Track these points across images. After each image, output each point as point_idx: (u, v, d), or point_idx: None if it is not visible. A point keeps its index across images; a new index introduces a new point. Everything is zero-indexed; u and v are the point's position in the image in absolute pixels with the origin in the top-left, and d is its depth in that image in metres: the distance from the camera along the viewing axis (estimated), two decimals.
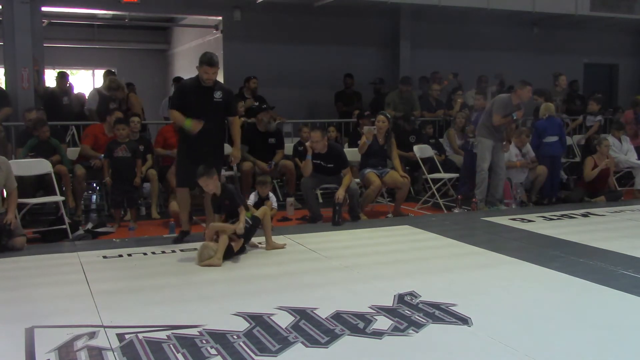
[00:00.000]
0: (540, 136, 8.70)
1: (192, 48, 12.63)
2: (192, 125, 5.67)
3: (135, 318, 3.85)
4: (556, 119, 8.95)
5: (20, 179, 6.13)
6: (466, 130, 9.12)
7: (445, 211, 8.12)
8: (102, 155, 7.39)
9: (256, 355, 3.30)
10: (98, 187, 8.44)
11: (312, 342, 3.48)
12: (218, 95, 5.82)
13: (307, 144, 7.25)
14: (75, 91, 10.02)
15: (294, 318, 3.84)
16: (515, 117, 7.88)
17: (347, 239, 6.36)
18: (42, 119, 7.60)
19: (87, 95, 9.77)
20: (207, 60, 5.69)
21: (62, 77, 9.16)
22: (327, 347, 3.42)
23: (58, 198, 6.71)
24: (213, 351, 3.34)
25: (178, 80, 10.40)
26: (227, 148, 8.64)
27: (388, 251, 5.77)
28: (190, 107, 5.76)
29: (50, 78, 9.53)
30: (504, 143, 8.02)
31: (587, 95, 11.90)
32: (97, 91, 9.29)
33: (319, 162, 7.18)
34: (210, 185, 5.50)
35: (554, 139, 8.67)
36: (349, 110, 10.18)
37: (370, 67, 11.29)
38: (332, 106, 10.78)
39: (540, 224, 7.00)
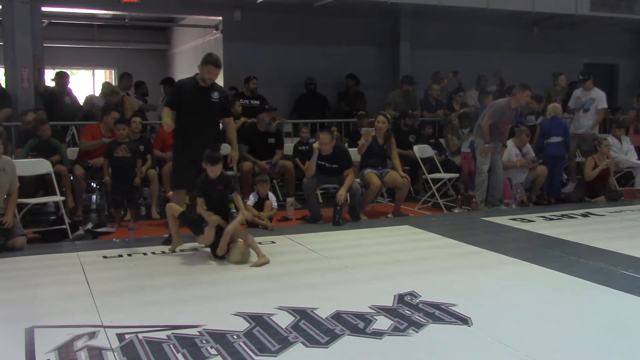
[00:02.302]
0: (544, 136, 8.81)
1: (192, 48, 12.63)
2: (167, 124, 5.68)
3: (135, 318, 3.86)
4: (561, 120, 9.04)
5: (20, 179, 6.12)
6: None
7: (445, 211, 8.12)
8: (103, 139, 7.43)
9: (256, 355, 3.30)
10: (98, 187, 8.44)
11: (312, 342, 3.48)
12: (215, 96, 5.83)
13: (315, 145, 7.22)
14: (74, 92, 10.01)
15: (294, 318, 3.84)
16: (486, 146, 7.89)
17: (347, 239, 6.37)
18: (43, 118, 7.59)
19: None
20: (214, 61, 5.72)
21: (60, 77, 9.15)
22: (327, 347, 3.42)
23: (58, 198, 6.70)
24: (213, 351, 3.34)
25: (168, 81, 10.39)
26: (226, 148, 8.69)
27: (388, 251, 5.77)
28: (188, 106, 5.74)
29: (49, 78, 9.52)
30: (500, 146, 8.04)
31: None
32: (102, 97, 9.30)
33: (323, 163, 7.17)
34: (218, 170, 5.52)
35: (558, 139, 8.76)
36: (351, 110, 10.17)
37: (370, 67, 11.28)
38: (333, 106, 10.78)
39: (540, 224, 7.00)
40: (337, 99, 10.70)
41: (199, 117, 5.75)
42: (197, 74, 5.82)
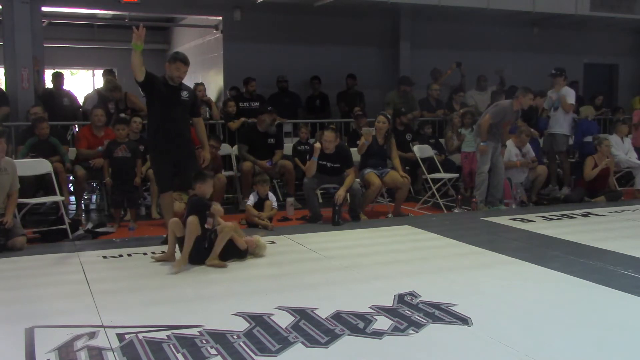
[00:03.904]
0: (583, 135, 9.38)
1: (192, 48, 12.62)
2: (135, 39, 5.39)
3: (135, 318, 3.86)
4: (593, 122, 9.62)
5: (20, 179, 6.12)
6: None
7: (445, 211, 8.12)
8: (100, 147, 7.47)
9: (256, 355, 3.30)
10: (98, 187, 8.44)
11: (312, 342, 3.48)
12: (185, 94, 5.78)
13: (316, 145, 7.21)
14: (74, 92, 10.01)
15: (294, 318, 3.84)
16: (482, 144, 7.92)
17: (347, 239, 6.36)
18: (41, 117, 7.58)
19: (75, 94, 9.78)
20: (182, 58, 5.66)
21: (55, 78, 9.16)
22: (327, 347, 3.42)
23: (58, 198, 6.70)
24: (213, 351, 3.34)
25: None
26: (226, 148, 8.70)
27: (388, 251, 5.78)
28: (160, 103, 5.66)
29: (49, 79, 9.53)
30: (500, 146, 8.05)
31: (590, 96, 11.93)
32: (96, 92, 9.30)
33: (325, 162, 7.17)
34: (209, 190, 5.45)
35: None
36: (351, 111, 10.16)
37: (370, 67, 11.28)
38: (333, 106, 10.77)
39: (540, 224, 7.00)
40: (337, 99, 10.68)
41: (172, 116, 5.69)
42: (164, 74, 5.75)
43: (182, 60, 5.64)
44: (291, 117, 9.84)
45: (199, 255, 5.16)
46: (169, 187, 5.93)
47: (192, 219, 5.11)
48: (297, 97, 10.54)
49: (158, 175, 6.03)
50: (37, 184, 7.22)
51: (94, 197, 8.80)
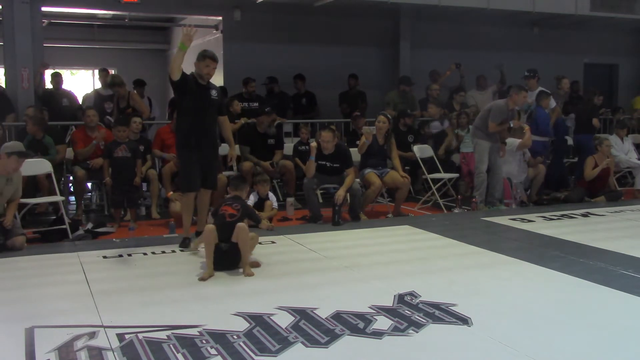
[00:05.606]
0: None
1: (192, 48, 12.50)
2: (184, 39, 5.46)
3: (135, 318, 3.86)
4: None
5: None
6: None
7: (445, 211, 8.12)
8: (94, 141, 7.49)
9: (256, 355, 3.30)
10: (98, 187, 8.43)
11: (312, 342, 3.48)
12: (214, 94, 5.78)
13: (312, 144, 7.21)
14: (75, 92, 10.00)
15: (294, 318, 3.84)
16: (512, 125, 7.89)
17: (347, 239, 6.36)
18: (35, 117, 7.52)
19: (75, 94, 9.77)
20: (211, 55, 5.68)
21: (53, 78, 9.16)
22: (327, 347, 3.42)
23: (58, 198, 6.71)
24: (213, 351, 3.34)
25: (138, 82, 10.32)
26: (226, 148, 8.68)
27: (388, 251, 5.77)
28: (190, 104, 5.65)
29: (48, 79, 9.53)
30: (499, 145, 8.04)
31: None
32: (95, 92, 9.30)
33: (324, 162, 7.16)
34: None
35: None
36: (353, 111, 10.15)
37: (370, 67, 11.28)
38: (333, 106, 10.75)
39: (540, 224, 7.00)
40: (339, 99, 10.67)
41: (201, 116, 5.69)
42: (192, 72, 5.75)
43: (211, 57, 5.66)
44: (280, 117, 9.78)
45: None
46: (195, 187, 5.79)
47: (210, 227, 4.94)
48: (286, 96, 10.38)
49: (185, 174, 5.87)
50: (36, 184, 7.22)
51: (94, 197, 8.79)
